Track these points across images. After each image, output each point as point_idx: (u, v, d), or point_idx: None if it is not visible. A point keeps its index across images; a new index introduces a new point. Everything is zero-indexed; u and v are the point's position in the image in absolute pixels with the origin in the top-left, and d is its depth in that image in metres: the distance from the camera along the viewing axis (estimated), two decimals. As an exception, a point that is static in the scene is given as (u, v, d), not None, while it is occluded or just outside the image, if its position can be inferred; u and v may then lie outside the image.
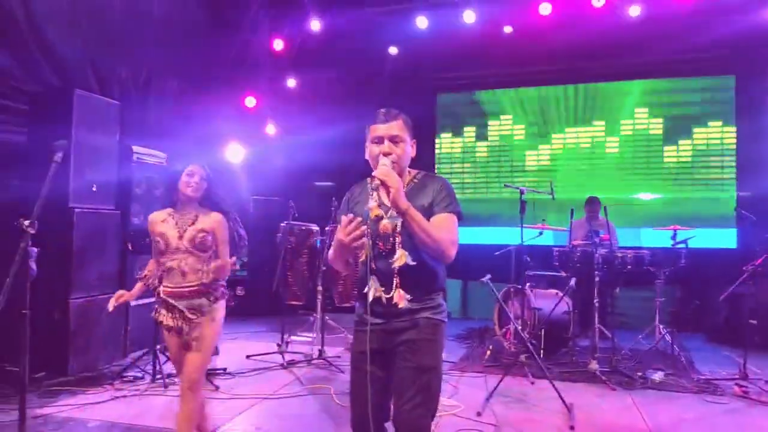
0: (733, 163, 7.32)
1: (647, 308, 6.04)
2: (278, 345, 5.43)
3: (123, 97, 5.78)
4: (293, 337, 5.88)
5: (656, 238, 6.40)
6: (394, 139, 2.16)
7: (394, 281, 2.09)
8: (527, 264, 5.58)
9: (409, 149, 2.22)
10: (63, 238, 4.69)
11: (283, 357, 5.28)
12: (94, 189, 4.99)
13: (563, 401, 3.98)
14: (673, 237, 5.50)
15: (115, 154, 5.25)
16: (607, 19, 6.91)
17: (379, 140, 2.17)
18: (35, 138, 4.79)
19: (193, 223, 2.93)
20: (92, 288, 4.89)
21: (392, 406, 2.13)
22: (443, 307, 2.23)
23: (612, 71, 7.73)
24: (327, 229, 5.68)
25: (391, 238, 2.13)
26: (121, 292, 2.98)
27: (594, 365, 4.81)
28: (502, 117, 8.29)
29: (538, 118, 8.12)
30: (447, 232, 2.11)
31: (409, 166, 2.27)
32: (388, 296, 2.10)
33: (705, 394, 4.39)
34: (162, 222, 2.95)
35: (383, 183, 2.00)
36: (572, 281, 5.01)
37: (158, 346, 4.64)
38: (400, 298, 2.09)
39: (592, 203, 6.49)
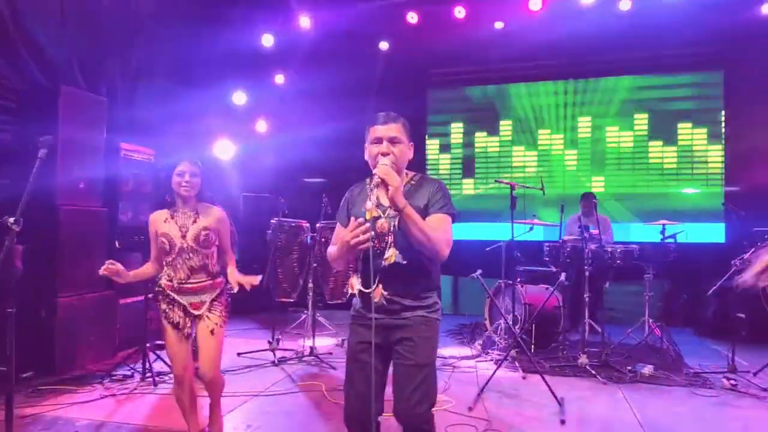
0: (721, 159, 7.39)
1: (637, 303, 6.08)
2: (269, 342, 5.42)
3: (110, 94, 5.70)
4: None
5: (645, 232, 6.45)
6: (392, 141, 2.23)
7: (377, 277, 2.18)
8: (518, 259, 5.61)
9: (406, 151, 2.30)
10: (50, 236, 4.65)
11: (274, 354, 5.27)
12: (81, 186, 4.94)
13: (554, 395, 4.01)
14: (662, 232, 5.56)
15: (102, 151, 5.20)
16: (598, 16, 6.93)
17: (378, 141, 2.23)
18: (22, 135, 4.73)
19: (195, 221, 2.96)
20: (80, 286, 4.84)
21: (393, 401, 2.20)
22: (438, 306, 2.30)
23: (602, 67, 7.76)
24: (318, 225, 5.67)
25: (386, 237, 2.19)
26: (114, 262, 2.84)
27: (584, 359, 4.85)
28: (492, 112, 8.30)
29: (528, 114, 8.14)
30: (442, 231, 2.17)
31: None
32: (367, 291, 2.19)
33: (694, 387, 4.43)
34: (164, 222, 2.97)
35: (383, 181, 2.05)
36: (562, 276, 5.04)
37: (148, 345, 4.61)
38: (377, 293, 2.18)
39: (587, 199, 6.47)
